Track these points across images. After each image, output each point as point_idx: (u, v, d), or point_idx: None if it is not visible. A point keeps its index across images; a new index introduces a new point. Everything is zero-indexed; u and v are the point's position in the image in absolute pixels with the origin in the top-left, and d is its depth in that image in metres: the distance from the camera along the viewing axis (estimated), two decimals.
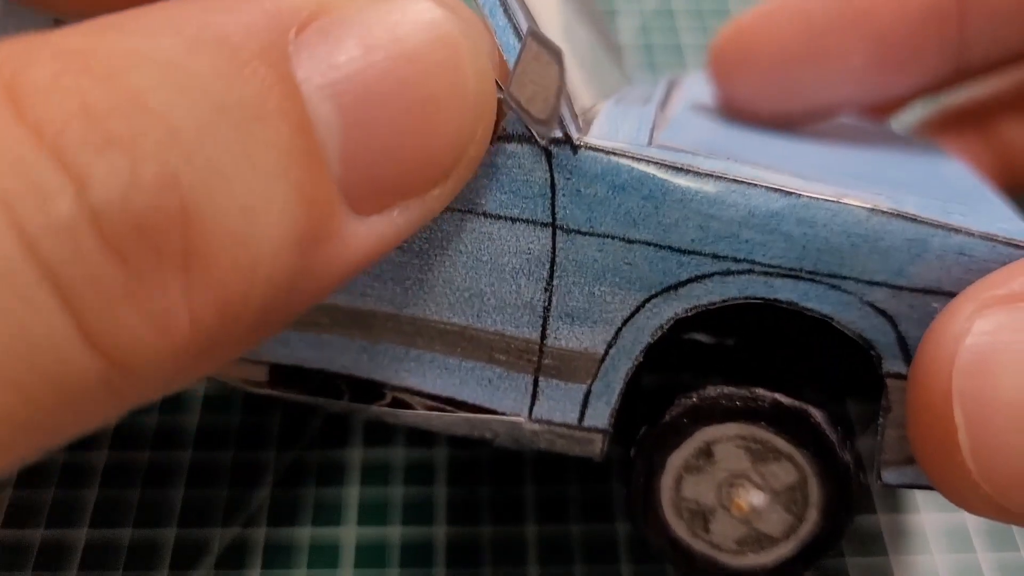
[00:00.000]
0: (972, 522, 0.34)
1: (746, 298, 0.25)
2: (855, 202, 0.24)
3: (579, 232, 0.25)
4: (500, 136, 0.25)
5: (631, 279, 0.25)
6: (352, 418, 0.36)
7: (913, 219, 0.24)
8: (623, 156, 0.25)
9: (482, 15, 0.25)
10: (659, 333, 0.26)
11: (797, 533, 0.27)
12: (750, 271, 0.25)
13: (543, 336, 0.26)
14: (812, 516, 0.27)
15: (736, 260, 0.25)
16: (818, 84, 0.36)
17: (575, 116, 0.25)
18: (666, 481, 0.28)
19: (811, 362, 0.29)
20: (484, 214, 0.25)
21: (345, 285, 0.26)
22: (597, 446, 0.27)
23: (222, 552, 0.32)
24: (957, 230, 0.24)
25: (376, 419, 0.28)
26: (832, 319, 0.25)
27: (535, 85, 0.24)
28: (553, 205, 0.25)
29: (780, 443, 0.27)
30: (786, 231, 0.24)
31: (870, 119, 0.39)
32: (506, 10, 0.25)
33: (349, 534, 0.33)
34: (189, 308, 0.17)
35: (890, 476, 0.26)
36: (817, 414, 0.26)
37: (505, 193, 0.25)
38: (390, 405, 0.27)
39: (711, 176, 0.25)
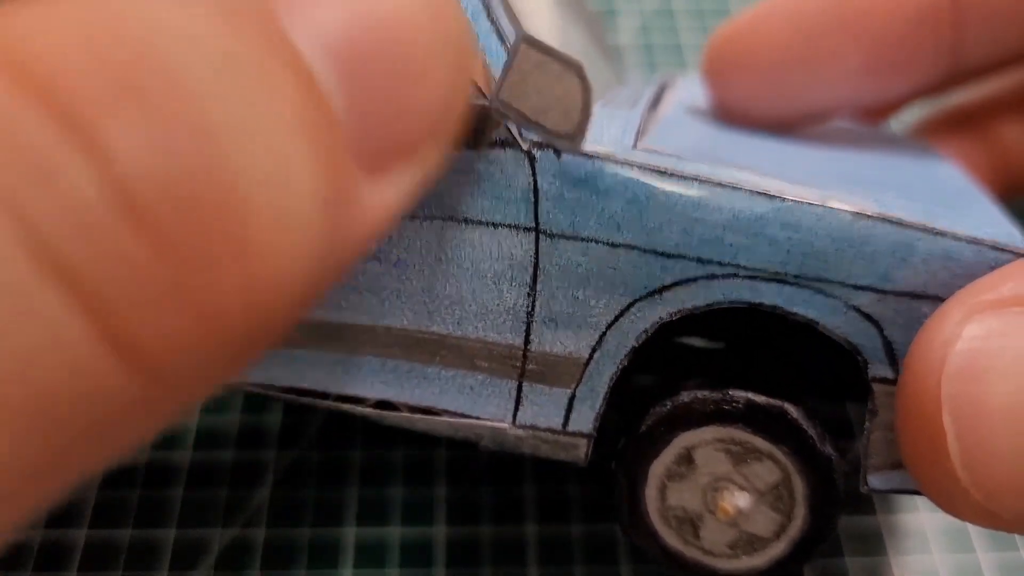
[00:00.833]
0: None
1: (731, 302, 0.25)
2: (840, 206, 0.24)
3: (563, 236, 0.25)
4: (482, 142, 0.25)
5: (615, 283, 0.25)
6: (352, 418, 0.36)
7: (899, 223, 0.24)
8: (607, 160, 0.25)
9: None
10: (644, 337, 0.26)
11: (787, 532, 0.27)
12: (735, 275, 0.25)
13: (527, 341, 0.26)
14: (800, 513, 0.27)
15: (721, 264, 0.25)
16: (812, 87, 0.35)
17: None
18: (650, 491, 0.28)
19: (800, 365, 0.28)
20: (465, 220, 0.25)
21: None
22: (582, 451, 0.27)
23: (222, 552, 0.33)
24: (943, 234, 0.24)
25: (362, 417, 0.28)
26: (817, 323, 0.25)
27: (542, 96, 0.23)
28: (536, 210, 0.25)
29: (759, 442, 0.26)
30: (771, 235, 0.24)
31: (865, 122, 0.38)
32: (489, 14, 0.25)
33: (349, 534, 0.33)
34: (242, 296, 0.15)
35: (876, 481, 0.26)
36: (794, 410, 0.26)
37: (487, 199, 0.25)
38: (374, 407, 0.27)
39: (695, 180, 0.24)
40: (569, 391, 0.27)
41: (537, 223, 0.25)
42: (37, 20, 0.14)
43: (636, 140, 0.26)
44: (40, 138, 0.13)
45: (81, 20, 0.14)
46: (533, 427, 0.27)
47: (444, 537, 0.33)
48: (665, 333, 0.26)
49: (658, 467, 0.27)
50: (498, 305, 0.26)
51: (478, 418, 0.27)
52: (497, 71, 0.24)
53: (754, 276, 0.25)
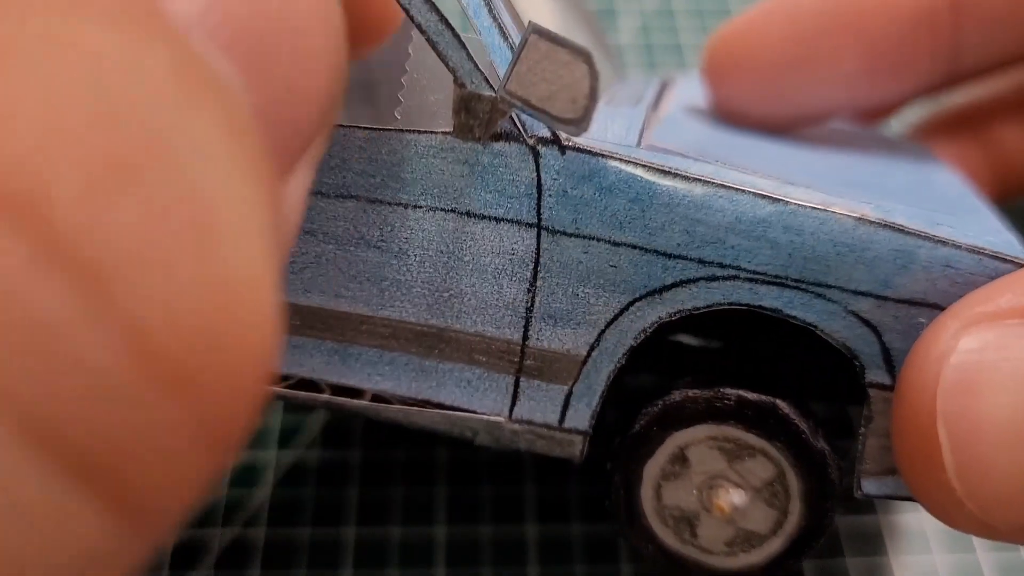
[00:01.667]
0: None
1: (731, 304, 0.25)
2: (843, 211, 0.24)
3: (564, 233, 0.25)
4: (486, 134, 0.25)
5: (616, 282, 0.25)
6: (352, 419, 0.36)
7: (901, 230, 0.24)
8: (611, 158, 0.25)
9: (466, 15, 0.25)
10: (643, 336, 0.26)
11: (784, 528, 0.27)
12: (735, 277, 0.25)
13: (525, 337, 0.26)
14: (796, 508, 0.27)
15: (722, 266, 0.25)
16: (810, 89, 0.36)
17: None
18: (646, 491, 0.28)
19: (795, 363, 0.28)
20: (468, 213, 0.25)
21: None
22: (577, 448, 0.27)
23: (222, 552, 0.32)
24: (944, 242, 0.24)
25: (359, 413, 0.28)
26: (816, 327, 0.25)
27: (550, 83, 0.23)
28: (539, 206, 0.25)
29: (752, 439, 0.27)
30: (773, 238, 0.24)
31: (863, 123, 0.38)
32: (491, 10, 0.25)
33: (349, 534, 0.33)
34: (240, 404, 0.13)
35: (870, 486, 0.26)
36: (785, 406, 0.26)
37: (490, 192, 0.25)
38: (371, 400, 0.27)
39: (699, 180, 0.24)
40: (566, 388, 0.27)
41: (539, 219, 0.25)
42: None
43: (640, 138, 0.26)
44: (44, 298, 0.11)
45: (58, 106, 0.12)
46: (529, 422, 0.27)
47: (444, 537, 0.33)
48: (662, 331, 0.26)
49: (652, 467, 0.27)
50: (497, 300, 0.26)
51: (475, 412, 0.27)
52: (499, 66, 0.25)
53: (755, 279, 0.25)
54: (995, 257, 0.24)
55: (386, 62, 0.29)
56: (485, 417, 0.27)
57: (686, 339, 0.31)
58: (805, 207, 0.24)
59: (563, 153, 0.25)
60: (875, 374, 0.25)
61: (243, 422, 0.13)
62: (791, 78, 0.35)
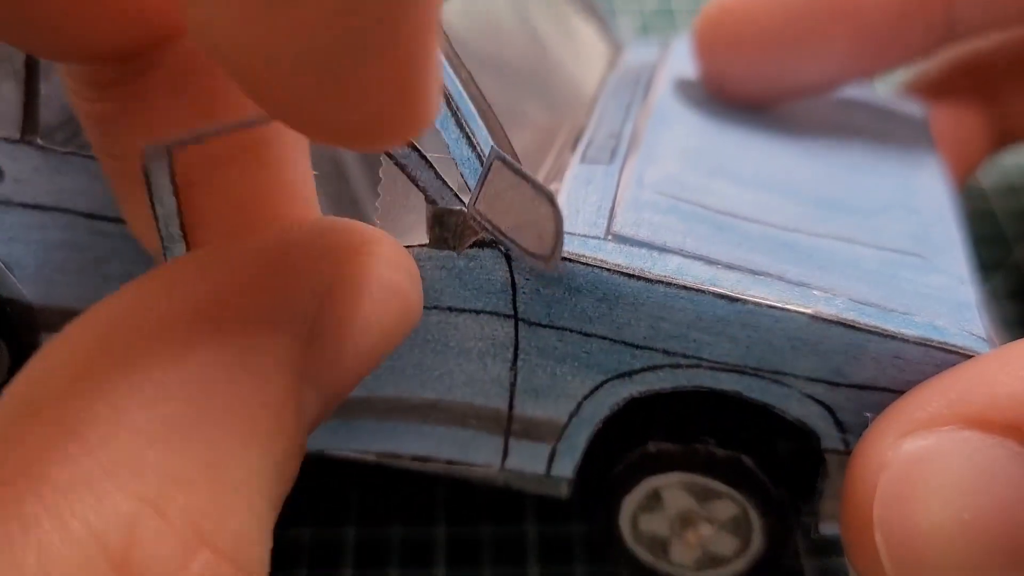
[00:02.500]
0: None
1: (694, 386, 0.27)
2: (797, 308, 0.25)
3: (540, 324, 0.27)
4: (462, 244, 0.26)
5: (589, 364, 0.27)
6: None
7: (852, 326, 0.25)
8: (578, 262, 0.26)
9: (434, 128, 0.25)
10: (617, 407, 0.28)
11: (747, 553, 0.30)
12: (698, 365, 0.27)
13: (511, 406, 0.29)
14: (758, 539, 0.30)
15: (685, 356, 0.27)
16: (801, 67, 0.35)
17: None
18: (624, 521, 0.31)
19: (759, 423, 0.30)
20: (448, 308, 0.27)
21: None
22: (563, 489, 0.30)
23: None
24: (893, 336, 0.25)
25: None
26: (774, 407, 0.27)
27: (516, 214, 0.24)
28: (514, 301, 0.27)
29: (719, 486, 0.29)
30: (731, 334, 0.26)
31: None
32: (458, 122, 0.25)
33: (349, 534, 0.34)
34: None
35: (827, 528, 0.29)
36: (749, 461, 0.28)
37: (468, 290, 0.27)
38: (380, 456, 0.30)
39: (661, 282, 0.26)
40: (550, 446, 0.29)
41: (516, 311, 0.27)
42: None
43: (610, 219, 0.27)
44: None
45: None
46: (519, 472, 0.30)
47: (444, 537, 0.34)
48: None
49: (630, 502, 0.30)
50: (483, 376, 0.28)
51: (471, 464, 0.30)
52: (468, 177, 0.25)
53: (715, 367, 0.26)
54: (941, 349, 0.25)
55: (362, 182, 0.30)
56: (480, 468, 0.30)
57: None
58: (761, 305, 0.26)
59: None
60: (830, 442, 0.27)
61: None
62: (782, 57, 0.35)
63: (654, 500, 0.30)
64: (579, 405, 0.28)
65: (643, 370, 0.27)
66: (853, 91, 0.38)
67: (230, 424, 0.18)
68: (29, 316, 0.31)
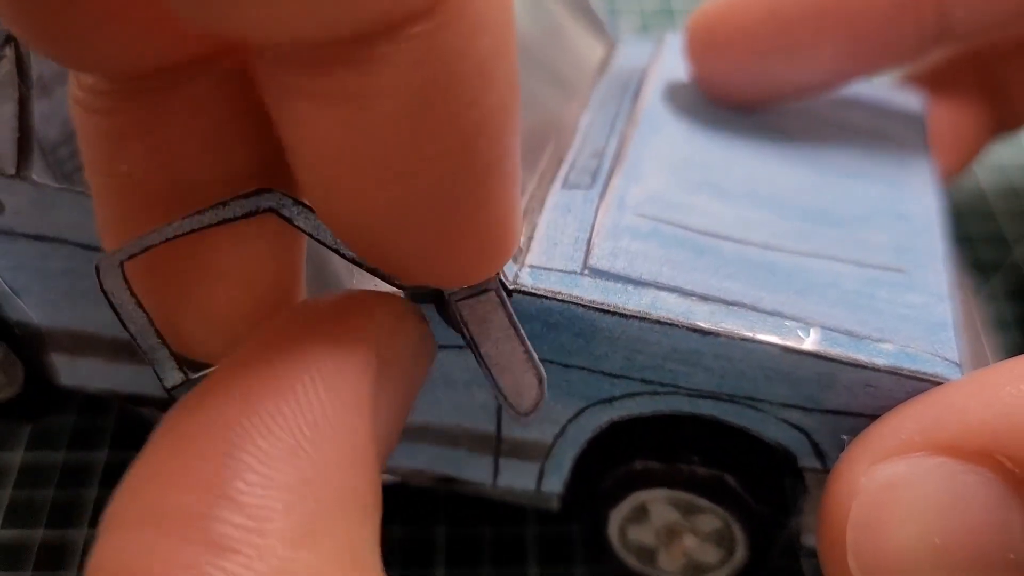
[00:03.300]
0: None
1: (672, 411, 0.28)
2: (769, 339, 0.26)
3: None
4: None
5: (570, 392, 0.28)
6: None
7: (823, 356, 0.26)
8: (554, 299, 0.27)
9: None
10: (599, 430, 0.29)
11: (730, 562, 0.31)
12: (675, 392, 0.27)
13: (499, 429, 0.30)
14: (741, 550, 0.31)
15: (662, 384, 0.27)
16: (792, 72, 0.35)
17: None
18: (612, 531, 0.32)
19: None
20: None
21: None
22: (554, 502, 0.32)
23: None
24: (865, 366, 0.26)
25: None
26: (750, 430, 0.28)
27: (502, 358, 0.25)
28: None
29: (703, 502, 0.30)
30: (706, 365, 0.27)
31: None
32: None
33: None
34: None
35: (808, 539, 0.30)
36: (731, 479, 0.29)
37: (448, 330, 0.27)
38: None
39: (635, 318, 0.26)
40: (539, 464, 0.30)
41: None
42: None
43: (587, 251, 0.28)
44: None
45: None
46: (510, 488, 0.31)
47: (444, 537, 0.35)
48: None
49: (618, 515, 0.31)
50: (471, 402, 0.29)
51: (465, 480, 0.31)
52: None
53: (692, 394, 0.27)
54: (912, 377, 0.26)
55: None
56: (474, 482, 0.31)
57: None
58: (734, 338, 0.26)
59: (510, 296, 0.27)
60: (807, 461, 0.28)
61: None
62: (774, 62, 0.35)
63: (641, 512, 0.31)
64: (563, 428, 0.29)
65: (622, 397, 0.28)
66: (850, 87, 0.38)
67: (351, 507, 0.19)
68: (38, 338, 0.32)
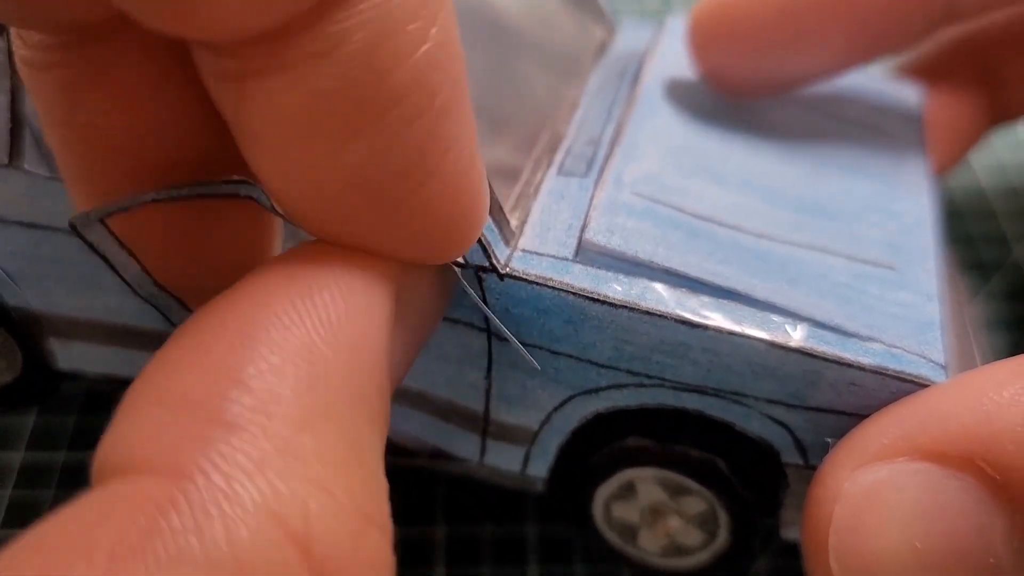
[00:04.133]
0: None
1: (658, 404, 0.28)
2: (756, 334, 0.26)
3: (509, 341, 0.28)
4: None
5: (558, 380, 0.28)
6: None
7: (810, 354, 0.26)
8: (544, 285, 0.27)
9: None
10: (585, 420, 0.29)
11: (711, 546, 0.32)
12: (661, 385, 0.28)
13: (487, 410, 0.30)
14: (723, 535, 0.31)
15: (648, 376, 0.27)
16: (799, 60, 0.35)
17: (506, 237, 0.27)
18: (597, 507, 0.32)
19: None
20: None
21: None
22: (539, 486, 0.32)
23: None
24: (850, 364, 0.26)
25: None
26: (734, 425, 0.28)
27: None
28: (487, 317, 0.28)
29: (691, 484, 0.30)
30: (693, 358, 0.27)
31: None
32: None
33: None
34: None
35: (788, 533, 0.30)
36: (722, 463, 0.30)
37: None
38: None
39: (624, 307, 0.26)
40: (524, 448, 0.31)
41: (488, 326, 0.28)
42: None
43: (580, 238, 0.28)
44: None
45: None
46: (496, 468, 0.32)
47: (444, 537, 0.35)
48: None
49: (604, 491, 0.32)
50: (461, 379, 0.29)
51: (452, 456, 0.32)
52: None
53: (678, 387, 0.27)
54: (896, 378, 0.26)
55: None
56: (462, 459, 0.32)
57: None
58: (722, 331, 0.26)
59: (502, 279, 0.27)
60: (790, 457, 0.28)
61: None
62: (781, 51, 0.35)
63: (627, 490, 0.31)
64: (549, 416, 0.29)
65: (608, 387, 0.28)
66: (847, 78, 0.37)
67: (359, 408, 0.20)
68: (36, 322, 0.33)
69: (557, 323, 0.27)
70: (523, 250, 0.27)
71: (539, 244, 0.28)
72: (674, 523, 0.31)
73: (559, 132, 0.32)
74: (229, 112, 0.20)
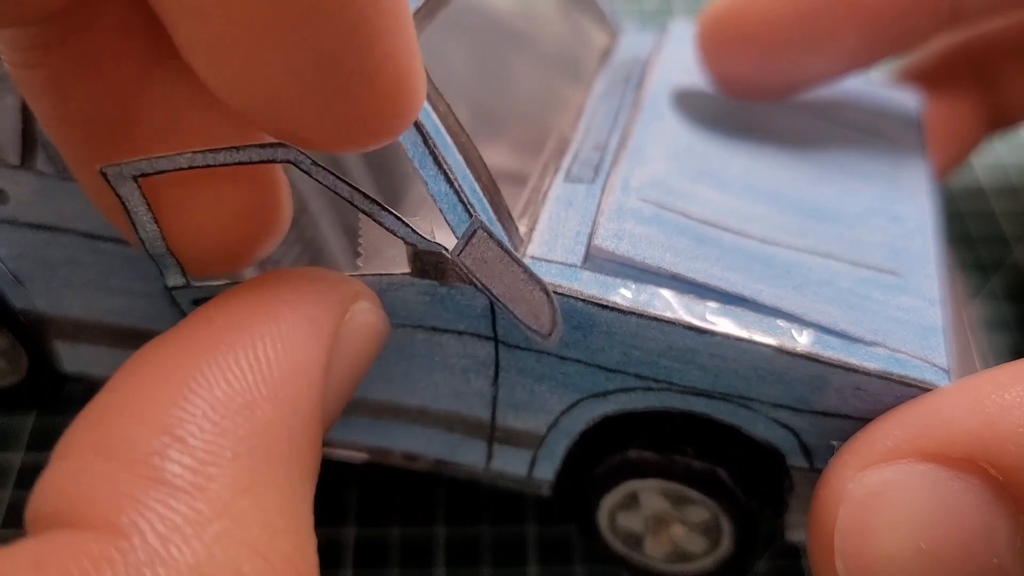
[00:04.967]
0: None
1: (665, 407, 0.28)
2: (763, 340, 0.26)
3: (518, 347, 0.28)
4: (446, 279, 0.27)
5: (566, 384, 0.29)
6: None
7: (815, 359, 0.26)
8: (554, 292, 0.27)
9: (411, 164, 0.26)
10: (592, 423, 0.29)
11: (715, 553, 0.32)
12: (668, 389, 0.28)
13: (493, 417, 0.30)
14: (726, 542, 0.31)
15: (656, 380, 0.28)
16: (810, 63, 0.35)
17: (515, 244, 0.27)
18: (602, 516, 0.32)
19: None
20: (432, 328, 0.28)
21: None
22: (545, 489, 0.32)
23: None
24: (855, 369, 0.26)
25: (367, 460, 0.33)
26: (741, 428, 0.28)
27: (507, 285, 0.26)
28: (494, 325, 0.28)
29: (694, 494, 0.31)
30: (700, 363, 0.27)
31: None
32: (436, 159, 0.26)
33: (349, 534, 0.34)
34: None
35: (793, 535, 0.30)
36: (723, 473, 0.30)
37: (450, 312, 0.28)
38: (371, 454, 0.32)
39: (632, 313, 0.27)
40: (531, 452, 0.31)
41: (496, 334, 0.28)
42: None
43: (588, 245, 0.28)
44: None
45: None
46: (502, 473, 0.32)
47: (444, 537, 0.35)
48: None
49: (609, 501, 0.32)
50: (467, 389, 0.30)
51: (458, 463, 0.32)
52: (447, 213, 0.26)
53: (685, 391, 0.28)
54: (900, 382, 0.26)
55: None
56: (467, 466, 0.32)
57: None
58: (729, 337, 0.26)
59: None
60: (795, 460, 0.28)
61: None
62: (792, 54, 0.35)
63: (631, 500, 0.32)
64: (557, 419, 0.30)
65: (616, 391, 0.28)
66: (848, 83, 0.38)
67: (295, 465, 0.20)
68: (42, 325, 0.33)
69: (566, 329, 0.27)
70: (532, 257, 0.28)
71: (548, 251, 0.28)
72: (678, 531, 0.32)
73: (565, 137, 0.33)
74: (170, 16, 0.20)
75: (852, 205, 0.32)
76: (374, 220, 0.25)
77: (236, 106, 0.21)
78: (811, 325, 0.27)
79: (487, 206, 0.27)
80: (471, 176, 0.27)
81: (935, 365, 0.27)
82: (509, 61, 0.36)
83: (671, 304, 0.27)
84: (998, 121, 0.42)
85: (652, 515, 0.32)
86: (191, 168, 0.23)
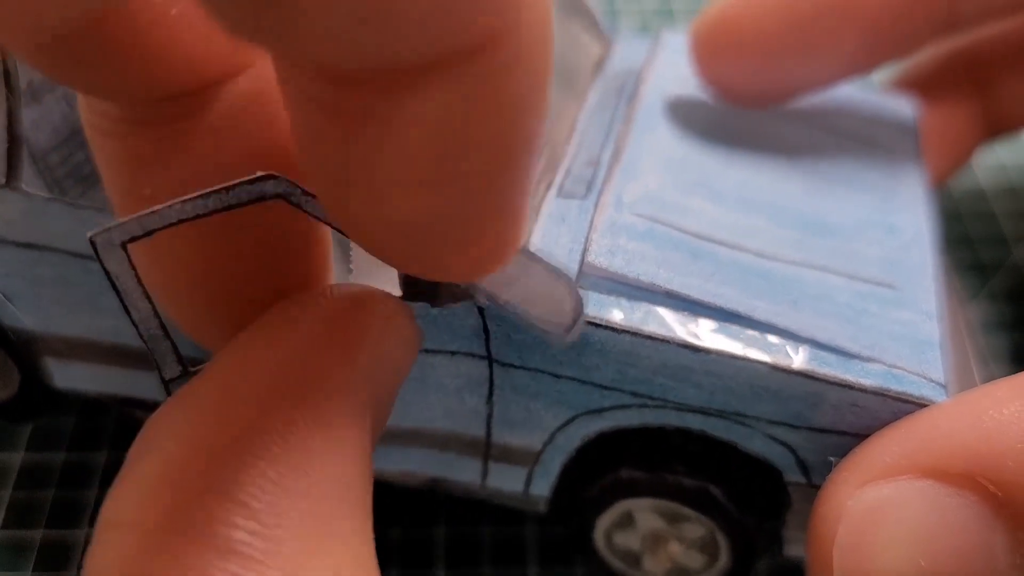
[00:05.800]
0: None
1: (661, 424, 0.28)
2: (758, 357, 0.26)
3: (512, 366, 0.28)
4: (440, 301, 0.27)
5: (561, 402, 0.28)
6: None
7: (811, 376, 0.26)
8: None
9: None
10: (588, 439, 0.29)
11: (714, 567, 0.32)
12: (664, 406, 0.28)
13: (488, 434, 0.30)
14: (724, 556, 0.31)
15: (652, 398, 0.28)
16: (806, 70, 0.35)
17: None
18: (598, 536, 0.32)
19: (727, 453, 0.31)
20: (426, 350, 0.28)
21: None
22: (541, 505, 0.32)
23: None
24: (851, 386, 0.26)
25: None
26: (737, 444, 0.28)
27: (529, 290, 0.25)
28: (488, 344, 0.28)
29: (688, 511, 0.30)
30: (695, 380, 0.27)
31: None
32: None
33: None
34: None
35: (791, 550, 0.30)
36: (716, 490, 0.30)
37: (443, 333, 0.28)
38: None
39: (627, 332, 0.27)
40: (527, 469, 0.31)
41: (489, 354, 0.28)
42: None
43: (581, 262, 0.28)
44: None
45: None
46: (499, 490, 0.32)
47: (444, 537, 0.35)
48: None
49: (604, 521, 0.32)
50: (461, 408, 0.29)
51: (453, 481, 0.32)
52: None
53: (681, 408, 0.27)
54: (897, 399, 0.26)
55: None
56: (463, 484, 0.32)
57: None
58: (724, 355, 0.26)
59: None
60: (792, 476, 0.28)
61: None
62: (786, 61, 0.35)
63: (626, 519, 0.32)
64: (552, 435, 0.29)
65: (612, 408, 0.28)
66: (843, 91, 0.37)
67: (356, 508, 0.19)
68: (32, 342, 0.33)
69: (559, 347, 0.27)
70: None
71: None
72: (675, 548, 0.32)
73: (558, 152, 0.32)
74: (299, 134, 0.19)
75: (848, 217, 0.32)
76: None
77: (363, 236, 0.21)
78: (807, 341, 0.27)
79: None
80: None
81: (932, 380, 0.27)
82: None
83: (665, 322, 0.27)
84: (994, 128, 0.41)
85: (648, 533, 0.32)
86: (181, 222, 0.21)
